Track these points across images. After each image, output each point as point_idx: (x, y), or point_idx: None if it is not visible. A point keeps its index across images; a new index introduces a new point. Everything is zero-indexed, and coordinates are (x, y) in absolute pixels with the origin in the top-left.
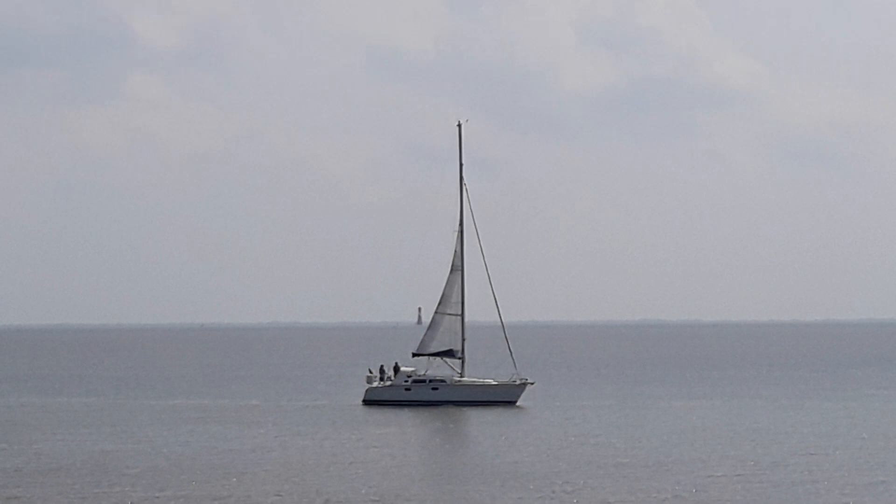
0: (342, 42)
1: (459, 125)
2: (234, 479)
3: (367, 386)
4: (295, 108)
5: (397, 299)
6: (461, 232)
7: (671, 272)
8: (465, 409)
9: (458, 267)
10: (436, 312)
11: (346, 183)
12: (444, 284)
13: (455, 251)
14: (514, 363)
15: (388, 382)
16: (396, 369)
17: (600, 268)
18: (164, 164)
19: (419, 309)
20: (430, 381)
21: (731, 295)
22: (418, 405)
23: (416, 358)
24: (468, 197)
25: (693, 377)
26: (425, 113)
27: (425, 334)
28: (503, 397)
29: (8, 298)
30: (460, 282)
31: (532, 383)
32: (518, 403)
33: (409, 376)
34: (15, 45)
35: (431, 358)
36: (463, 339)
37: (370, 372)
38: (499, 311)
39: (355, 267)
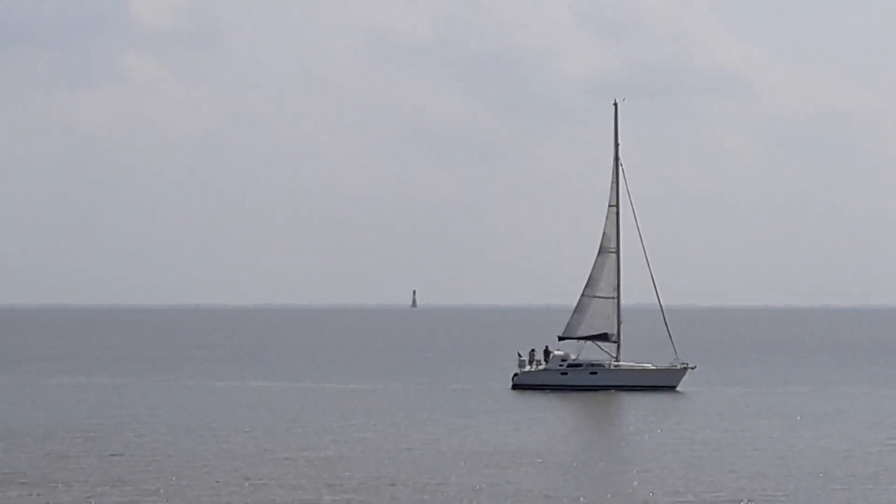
0: (340, 25)
1: (616, 104)
2: (395, 469)
3: (518, 370)
4: (291, 90)
5: (392, 282)
6: (617, 212)
7: (664, 258)
8: (623, 394)
9: (607, 248)
10: (582, 295)
11: (343, 166)
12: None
13: (604, 232)
14: (675, 347)
15: (541, 367)
16: (547, 353)
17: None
18: (159, 145)
19: (414, 292)
20: (588, 365)
21: (727, 280)
22: (574, 390)
23: (562, 342)
24: (624, 177)
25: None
26: (423, 97)
27: (572, 317)
28: (663, 382)
29: (4, 279)
30: (615, 264)
31: (693, 367)
32: (678, 388)
33: (564, 360)
34: (9, 25)
35: (581, 341)
36: (619, 323)
37: (520, 355)
38: (657, 293)
39: (350, 249)
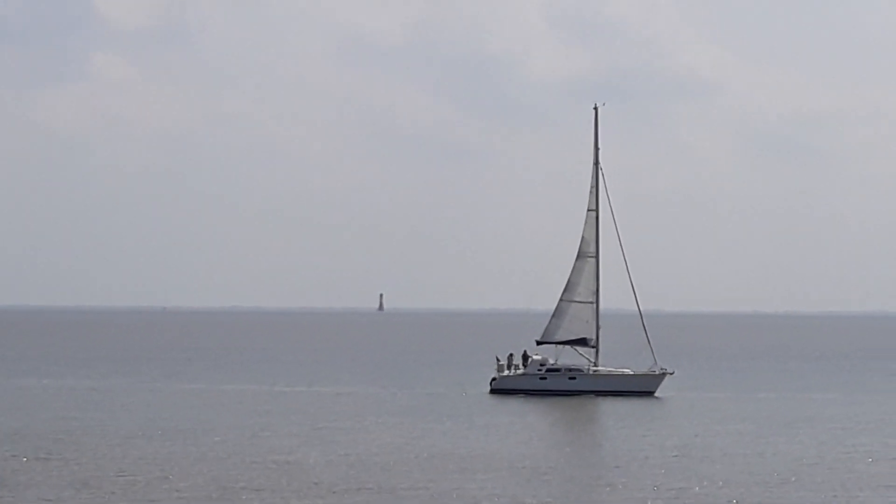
0: (313, 25)
1: (596, 108)
2: (371, 472)
3: (497, 374)
4: (261, 90)
5: (359, 285)
6: (596, 217)
7: (639, 262)
8: (601, 399)
9: (586, 253)
10: (561, 300)
11: (312, 167)
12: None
13: (583, 237)
14: (653, 352)
15: (519, 371)
16: (525, 357)
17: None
18: (128, 144)
19: (381, 295)
20: (567, 370)
21: (692, 285)
22: (552, 395)
23: (540, 346)
24: (604, 181)
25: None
26: (394, 99)
27: (550, 322)
28: (642, 387)
29: None
30: (594, 268)
31: (672, 373)
32: (656, 394)
33: (543, 364)
34: None
35: (559, 346)
36: (597, 328)
37: (498, 360)
38: (636, 298)
39: (318, 252)
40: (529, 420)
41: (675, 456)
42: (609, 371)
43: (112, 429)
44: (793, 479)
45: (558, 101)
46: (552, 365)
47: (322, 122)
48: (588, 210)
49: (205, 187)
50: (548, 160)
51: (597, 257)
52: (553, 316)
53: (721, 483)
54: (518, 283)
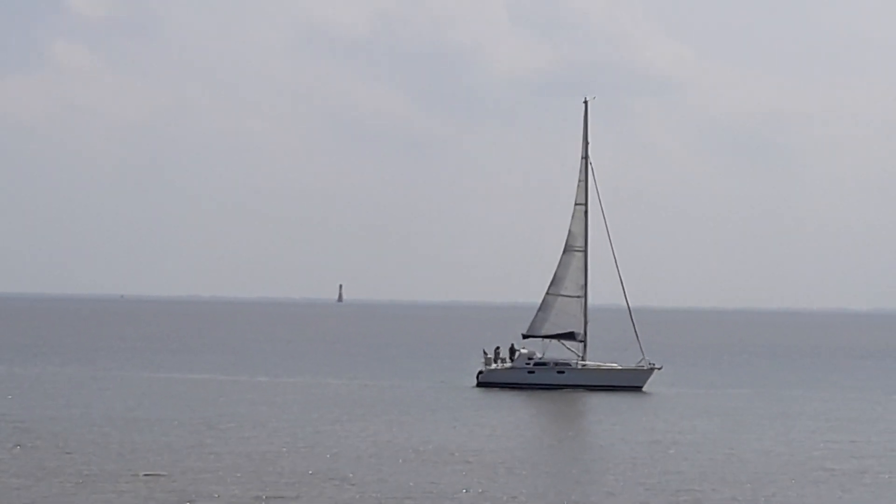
0: (275, 17)
1: (586, 102)
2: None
3: (484, 367)
4: (225, 81)
5: (318, 276)
6: (585, 211)
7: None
8: (588, 394)
9: (573, 247)
10: (547, 293)
11: (275, 158)
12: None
13: (570, 231)
14: (641, 348)
15: (506, 364)
16: (513, 351)
17: (518, 251)
18: (89, 133)
19: (340, 286)
20: (555, 364)
21: (651, 281)
22: (540, 388)
23: (526, 339)
24: (594, 176)
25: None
26: (356, 91)
27: (536, 315)
28: (630, 382)
29: None
30: (582, 263)
31: (660, 368)
32: (644, 389)
33: (531, 358)
34: None
35: (546, 340)
36: (585, 322)
37: (486, 353)
38: (625, 293)
39: (278, 243)
40: (514, 414)
41: (657, 451)
42: (597, 365)
43: (76, 418)
44: (763, 475)
45: (522, 96)
46: (540, 359)
47: (284, 114)
48: (576, 204)
49: (165, 177)
50: (510, 154)
51: (585, 251)
52: (539, 310)
53: (694, 479)
54: (478, 277)
